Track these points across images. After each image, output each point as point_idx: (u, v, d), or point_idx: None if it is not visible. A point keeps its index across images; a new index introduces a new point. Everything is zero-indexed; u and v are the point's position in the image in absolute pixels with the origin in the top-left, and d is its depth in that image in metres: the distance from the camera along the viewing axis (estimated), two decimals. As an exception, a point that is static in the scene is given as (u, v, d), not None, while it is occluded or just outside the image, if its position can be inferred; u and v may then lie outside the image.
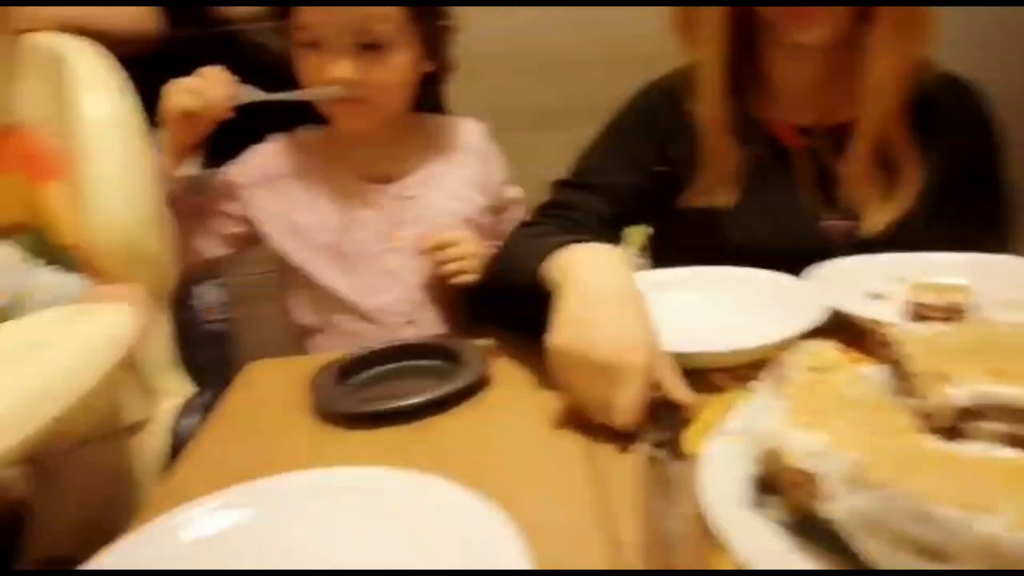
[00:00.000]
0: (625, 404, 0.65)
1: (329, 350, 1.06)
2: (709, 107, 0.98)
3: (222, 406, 0.83)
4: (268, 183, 1.10)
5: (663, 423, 0.65)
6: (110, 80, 0.89)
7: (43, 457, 0.80)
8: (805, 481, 0.46)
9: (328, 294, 1.08)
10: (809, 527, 0.49)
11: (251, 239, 1.12)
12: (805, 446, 0.47)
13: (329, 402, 0.78)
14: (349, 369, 0.85)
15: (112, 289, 0.86)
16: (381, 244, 1.08)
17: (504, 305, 0.89)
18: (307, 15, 0.99)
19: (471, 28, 1.12)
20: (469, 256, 1.05)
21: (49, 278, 0.89)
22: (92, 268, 0.89)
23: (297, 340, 1.15)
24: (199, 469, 0.72)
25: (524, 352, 0.84)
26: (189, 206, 1.09)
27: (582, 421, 0.70)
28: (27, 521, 0.83)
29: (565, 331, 0.70)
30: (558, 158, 1.14)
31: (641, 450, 0.64)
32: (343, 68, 0.98)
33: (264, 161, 1.11)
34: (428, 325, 1.09)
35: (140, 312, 0.78)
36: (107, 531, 0.85)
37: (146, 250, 0.89)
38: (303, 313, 1.12)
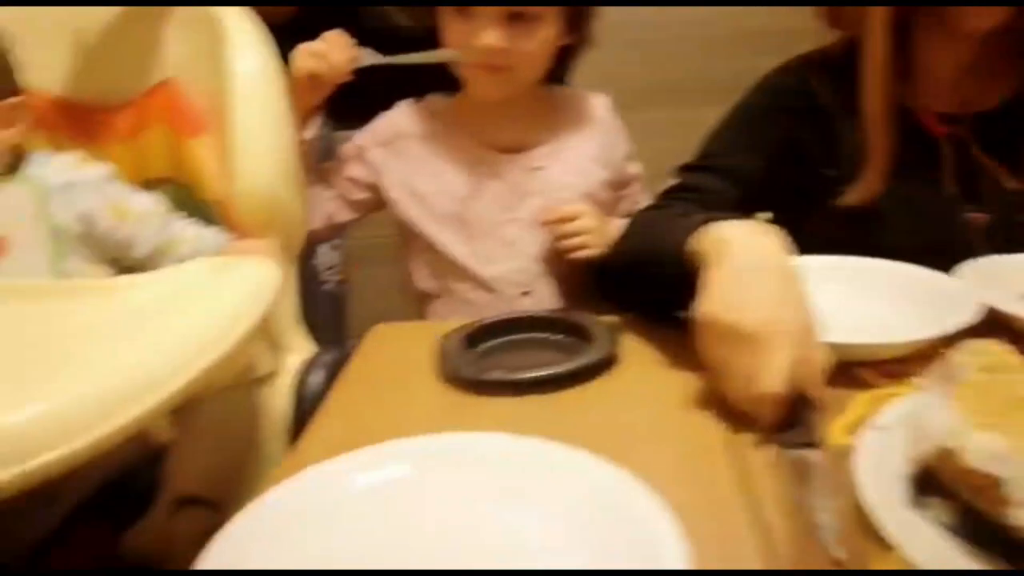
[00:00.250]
0: (770, 372, 0.62)
1: (446, 317, 1.08)
2: (872, 101, 0.94)
3: (351, 366, 0.85)
4: (396, 148, 1.11)
5: (800, 415, 0.63)
6: (258, 40, 0.91)
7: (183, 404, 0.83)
8: (987, 484, 0.44)
9: (447, 260, 1.09)
10: (972, 529, 0.47)
11: (375, 204, 1.14)
12: (986, 448, 0.45)
13: (458, 368, 0.78)
14: (476, 336, 0.85)
15: (252, 244, 0.88)
16: (504, 214, 1.08)
17: (637, 283, 0.87)
18: None
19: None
20: (590, 231, 1.04)
21: (191, 230, 0.93)
22: (232, 222, 0.91)
23: (412, 304, 1.16)
24: (334, 426, 0.73)
25: (651, 332, 0.83)
26: (318, 170, 1.11)
27: (719, 404, 0.68)
28: (164, 461, 0.86)
29: (716, 301, 0.68)
30: (676, 135, 1.12)
31: (780, 440, 0.62)
32: (492, 36, 0.98)
33: (393, 126, 1.12)
34: (544, 297, 1.10)
35: (279, 267, 0.80)
36: (237, 476, 0.89)
37: (285, 207, 0.91)
38: (422, 278, 1.13)
